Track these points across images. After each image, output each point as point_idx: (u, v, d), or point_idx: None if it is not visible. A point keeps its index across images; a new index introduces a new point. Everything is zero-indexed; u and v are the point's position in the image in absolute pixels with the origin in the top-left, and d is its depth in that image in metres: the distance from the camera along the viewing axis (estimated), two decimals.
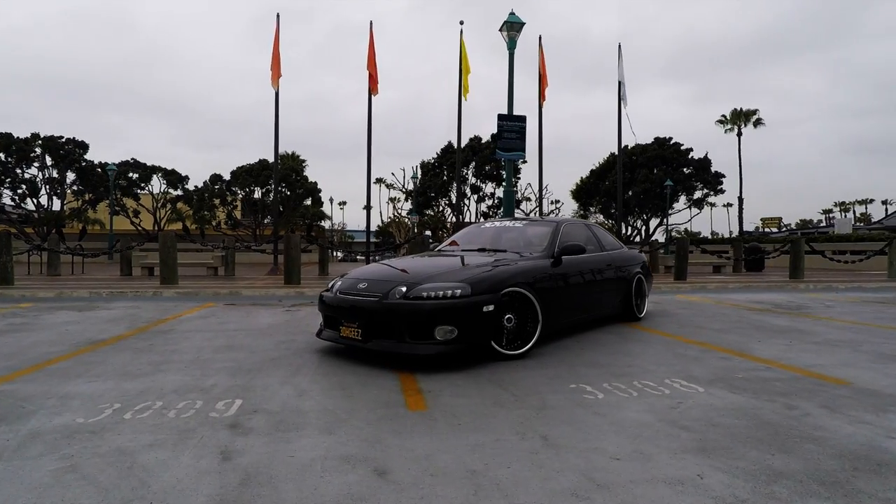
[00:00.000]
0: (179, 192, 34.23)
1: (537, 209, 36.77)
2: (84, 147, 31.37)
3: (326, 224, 47.29)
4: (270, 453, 2.18)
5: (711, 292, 9.99)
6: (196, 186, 32.69)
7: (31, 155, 29.66)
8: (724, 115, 48.25)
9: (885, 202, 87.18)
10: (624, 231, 35.52)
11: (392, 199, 54.20)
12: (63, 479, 1.94)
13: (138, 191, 33.68)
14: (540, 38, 16.46)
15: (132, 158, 32.84)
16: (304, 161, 36.05)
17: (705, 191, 38.95)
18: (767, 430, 2.44)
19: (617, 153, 43.17)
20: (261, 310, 6.97)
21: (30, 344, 4.54)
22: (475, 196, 36.93)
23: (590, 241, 5.56)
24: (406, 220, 41.53)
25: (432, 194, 37.26)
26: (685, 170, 38.63)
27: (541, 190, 18.70)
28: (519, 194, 37.26)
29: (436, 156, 37.44)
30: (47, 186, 30.91)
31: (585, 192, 40.92)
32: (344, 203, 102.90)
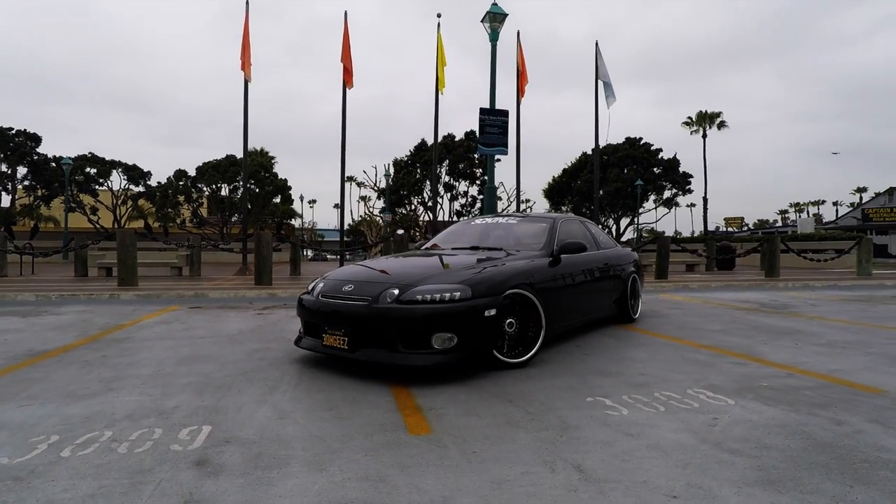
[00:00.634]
0: (141, 189, 32.75)
1: (508, 208, 36.86)
2: (36, 140, 29.63)
3: (296, 223, 46.15)
4: (249, 502, 1.74)
5: (695, 291, 9.89)
6: (159, 182, 31.32)
7: None
8: (689, 117, 49.39)
9: (835, 203, 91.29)
10: None
11: (363, 198, 53.37)
12: None
13: (97, 187, 32.05)
14: (518, 33, 16.22)
15: (89, 152, 31.22)
16: (273, 158, 35.04)
17: (674, 190, 39.69)
18: (828, 454, 2.14)
19: (590, 152, 43.52)
20: (230, 313, 6.42)
21: None
22: (448, 194, 36.59)
23: (585, 239, 5.25)
24: (378, 218, 40.88)
25: (405, 192, 36.75)
26: (655, 170, 39.26)
27: (518, 188, 18.44)
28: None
29: (409, 153, 36.93)
30: None
31: (557, 192, 41.12)
32: (314, 201, 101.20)
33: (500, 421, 2.56)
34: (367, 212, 40.61)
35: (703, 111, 49.33)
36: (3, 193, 29.76)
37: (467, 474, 1.96)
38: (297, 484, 1.87)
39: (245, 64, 12.38)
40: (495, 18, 10.00)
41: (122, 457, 2.09)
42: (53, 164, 29.16)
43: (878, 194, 53.18)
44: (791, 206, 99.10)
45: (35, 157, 29.29)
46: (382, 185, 35.48)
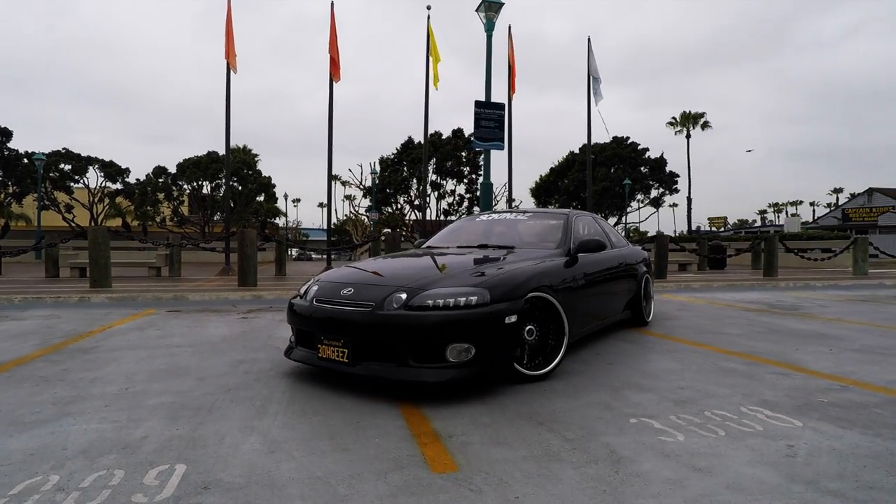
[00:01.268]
0: (119, 186, 31.70)
1: (496, 207, 36.55)
2: (7, 134, 28.47)
3: (281, 222, 45.30)
4: None
5: (697, 291, 9.59)
6: (138, 180, 30.32)
7: None
8: (674, 117, 49.69)
9: (812, 203, 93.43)
10: None
11: (348, 197, 52.67)
12: None
13: (72, 184, 30.94)
14: (510, 27, 15.84)
15: (63, 148, 30.10)
16: (256, 155, 34.21)
17: (661, 190, 39.78)
18: None
19: (577, 152, 43.28)
20: (211, 317, 5.91)
21: None
22: (436, 193, 36.13)
23: (600, 237, 4.86)
24: (364, 217, 40.26)
25: (391, 191, 36.20)
26: (643, 169, 39.29)
27: (510, 185, 18.06)
28: (479, 191, 36.81)
29: (395, 151, 36.38)
30: None
31: (545, 190, 40.92)
32: (298, 200, 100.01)
33: (538, 452, 2.14)
34: (353, 211, 39.97)
35: (688, 112, 49.64)
36: None
37: None
38: None
39: (229, 53, 11.79)
40: (491, 7, 9.58)
41: None
42: (25, 160, 28.01)
43: (852, 196, 54.27)
44: (770, 206, 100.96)
45: (6, 153, 28.11)
46: (368, 183, 34.89)
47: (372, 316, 2.85)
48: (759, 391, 3.01)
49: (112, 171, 30.87)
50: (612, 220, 40.17)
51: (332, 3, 12.76)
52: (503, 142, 9.76)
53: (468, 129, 37.40)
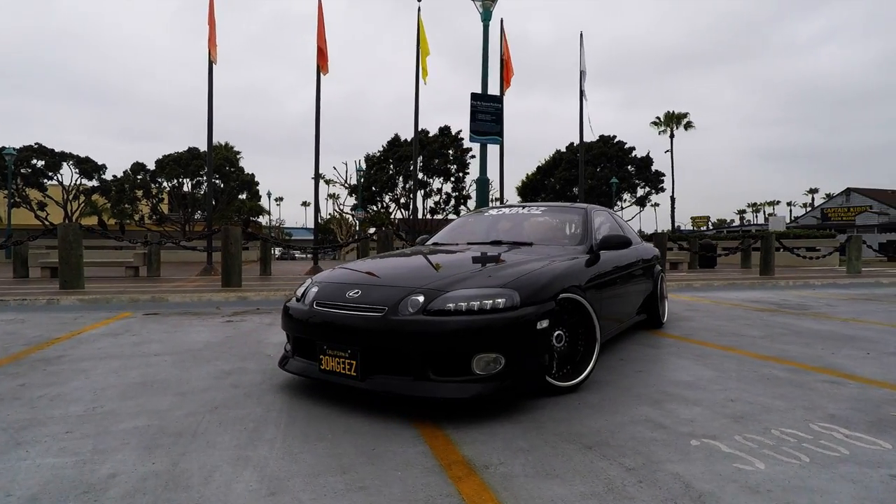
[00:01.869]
0: (95, 183, 30.63)
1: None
2: None
3: (264, 220, 44.43)
4: None
5: (699, 290, 9.35)
6: (115, 176, 29.32)
7: None
8: (658, 117, 50.07)
9: (789, 203, 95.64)
10: None
11: (332, 196, 51.91)
12: None
13: (45, 181, 29.80)
14: (501, 21, 15.51)
15: (36, 143, 28.98)
16: (239, 153, 33.39)
17: (647, 189, 39.89)
18: None
19: (564, 150, 43.13)
20: (193, 321, 5.43)
21: None
22: (422, 191, 35.70)
23: (616, 232, 4.51)
24: (349, 216, 39.64)
25: (377, 189, 35.67)
26: (629, 168, 39.37)
27: (501, 182, 17.77)
28: (466, 189, 36.46)
29: (382, 148, 35.85)
30: None
31: (532, 189, 40.75)
32: (281, 199, 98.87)
33: (599, 487, 1.76)
34: (337, 209, 39.28)
35: (671, 112, 50.02)
36: None
37: None
38: None
39: (211, 42, 11.24)
40: None
41: None
42: None
43: (828, 196, 55.35)
44: (749, 206, 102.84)
45: None
46: (353, 181, 34.30)
47: (384, 322, 2.45)
48: (820, 404, 2.68)
49: (88, 167, 29.79)
50: None
51: None
52: (501, 136, 9.40)
53: (455, 126, 37.01)
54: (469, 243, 3.93)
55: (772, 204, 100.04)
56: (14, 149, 24.46)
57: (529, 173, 42.05)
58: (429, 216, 35.57)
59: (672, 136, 49.32)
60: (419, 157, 34.46)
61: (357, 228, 35.29)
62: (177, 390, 2.88)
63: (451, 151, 36.39)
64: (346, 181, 35.08)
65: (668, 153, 46.18)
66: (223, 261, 7.96)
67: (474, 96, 9.13)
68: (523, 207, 4.47)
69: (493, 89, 10.51)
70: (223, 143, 32.87)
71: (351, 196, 34.99)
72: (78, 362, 3.56)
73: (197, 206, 27.07)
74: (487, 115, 9.23)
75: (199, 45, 10.96)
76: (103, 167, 30.42)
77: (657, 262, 5.29)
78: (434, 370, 2.40)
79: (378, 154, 35.63)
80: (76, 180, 30.35)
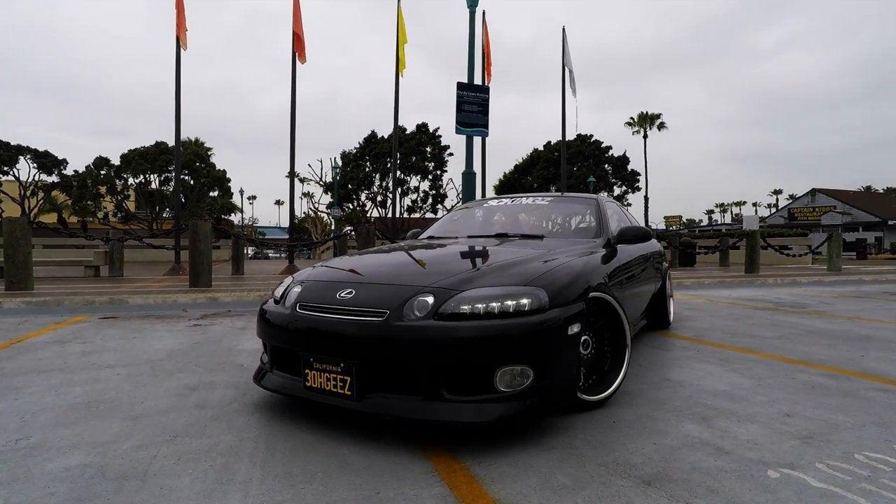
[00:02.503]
0: (56, 179, 29.12)
1: (457, 205, 35.89)
2: None
3: (236, 219, 43.16)
4: None
5: (690, 289, 9.13)
6: (76, 171, 27.89)
7: None
8: (632, 118, 50.73)
9: (755, 204, 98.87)
10: None
11: (307, 194, 50.77)
12: None
13: (0, 176, 28.18)
14: (483, 13, 15.13)
15: None
16: (210, 149, 32.25)
17: (623, 188, 40.17)
18: None
19: (542, 149, 43.15)
20: (156, 325, 4.86)
21: None
22: (399, 189, 35.13)
23: (630, 224, 4.14)
24: (324, 215, 38.80)
25: (353, 187, 34.95)
26: (606, 167, 39.60)
27: (484, 177, 17.35)
28: (444, 187, 36.06)
29: (358, 145, 35.14)
30: None
31: (509, 188, 40.61)
32: (254, 197, 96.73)
33: None
34: (312, 208, 38.33)
35: (645, 112, 50.69)
36: None
37: None
38: None
39: (180, 27, 10.52)
40: None
41: None
42: None
43: (792, 197, 56.87)
44: (717, 206, 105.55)
45: None
46: (329, 179, 33.49)
47: (386, 329, 1.99)
48: (890, 418, 2.33)
49: (47, 161, 28.26)
50: None
51: None
52: (487, 128, 8.99)
53: (433, 124, 36.61)
54: (470, 237, 3.49)
55: (738, 204, 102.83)
56: None
57: (507, 172, 41.90)
58: (406, 215, 35.04)
59: (646, 136, 49.98)
60: (396, 154, 33.92)
61: (333, 227, 34.53)
62: (128, 413, 2.36)
63: (428, 149, 35.94)
64: (321, 179, 34.22)
65: (644, 153, 46.69)
66: (191, 259, 7.34)
67: (460, 86, 8.70)
68: (527, 198, 4.05)
69: (479, 82, 10.10)
70: (193, 139, 31.69)
71: (326, 194, 34.16)
72: (11, 377, 2.99)
73: (165, 204, 25.92)
74: (474, 106, 8.82)
75: (168, 38, 10.25)
76: (64, 162, 28.92)
77: (663, 257, 4.95)
78: (449, 388, 1.95)
79: (354, 151, 34.92)
80: (34, 175, 28.80)
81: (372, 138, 34.76)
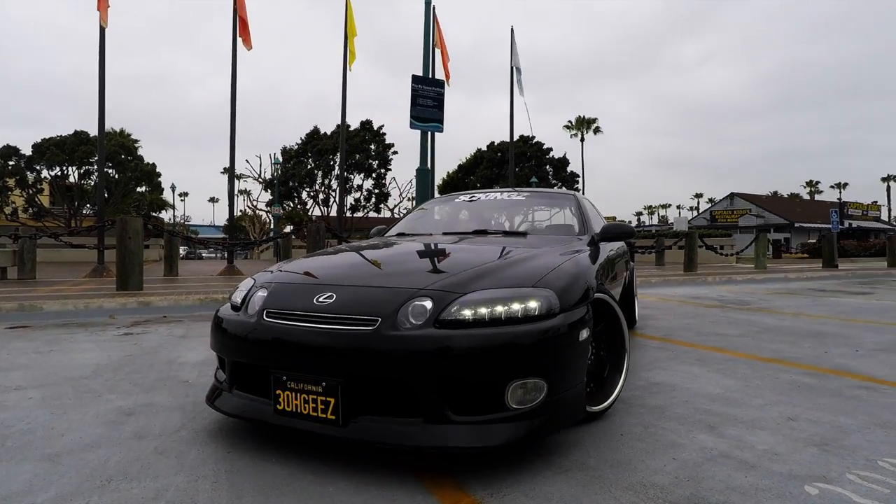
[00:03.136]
0: None
1: (401, 204, 35.53)
2: None
3: (167, 215, 40.57)
4: None
5: (638, 287, 9.30)
6: None
7: None
8: (570, 121, 52.49)
9: (678, 207, 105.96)
10: None
11: (244, 191, 48.54)
12: None
13: None
14: (434, 7, 14.88)
15: None
16: (136, 141, 30.02)
17: (563, 189, 41.30)
18: None
19: (485, 149, 43.46)
20: (78, 335, 4.24)
21: None
22: (338, 189, 34.25)
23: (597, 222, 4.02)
24: (263, 213, 37.24)
25: (294, 184, 33.72)
26: (547, 168, 40.51)
27: (433, 174, 17.10)
28: (387, 186, 35.54)
29: (300, 141, 33.94)
30: None
31: (453, 187, 40.68)
32: (186, 194, 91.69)
33: None
34: (251, 206, 36.60)
35: (582, 116, 52.55)
36: None
37: None
38: None
39: (101, 3, 9.54)
40: None
41: None
42: None
43: (711, 201, 60.88)
44: (645, 208, 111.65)
45: None
46: (268, 176, 32.05)
47: (379, 339, 1.69)
48: (889, 419, 2.28)
49: None
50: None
51: None
52: (442, 123, 8.74)
53: (377, 122, 35.91)
54: (446, 234, 3.21)
55: (664, 207, 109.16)
56: None
57: (451, 171, 41.94)
58: (349, 214, 34.21)
59: (582, 139, 51.78)
60: (344, 149, 32.99)
61: (272, 226, 33.18)
62: (45, 450, 1.91)
63: (372, 147, 35.28)
64: (260, 176, 32.68)
65: (581, 156, 48.23)
66: (119, 259, 6.59)
67: (416, 79, 8.41)
68: (500, 193, 3.82)
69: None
70: (119, 130, 29.35)
71: (266, 191, 32.73)
72: None
73: (86, 199, 23.78)
74: (429, 101, 8.55)
75: (91, 22, 9.24)
76: None
77: (629, 256, 4.90)
78: (455, 406, 1.67)
79: (296, 147, 33.69)
80: None
81: (314, 134, 33.69)
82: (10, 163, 23.74)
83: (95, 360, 3.32)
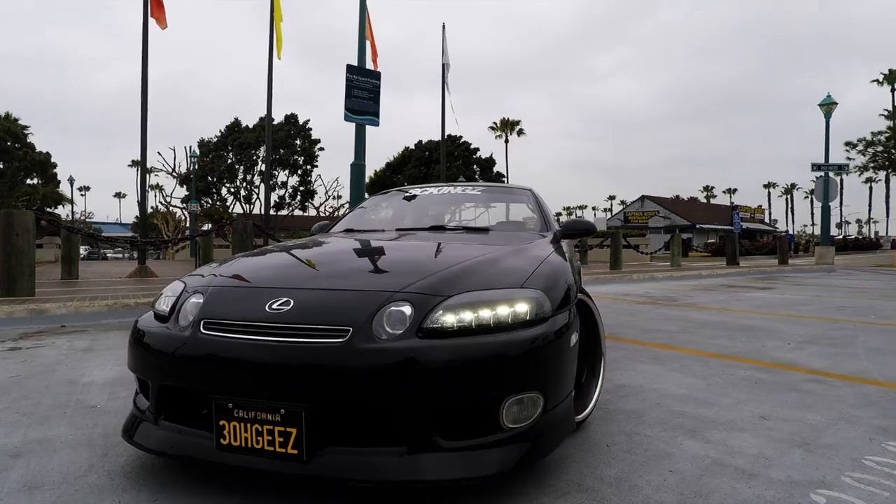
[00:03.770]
0: None
1: (326, 202, 34.53)
2: None
3: (64, 211, 36.65)
4: None
5: None
6: None
7: None
8: (495, 122, 53.72)
9: (594, 208, 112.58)
10: None
11: (157, 186, 44.95)
12: None
13: None
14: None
15: None
16: (26, 127, 26.81)
17: None
18: None
19: (413, 147, 43.25)
20: None
21: None
22: (264, 184, 32.67)
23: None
24: (178, 209, 34.69)
25: (213, 179, 31.69)
26: (475, 167, 41.01)
27: (363, 168, 16.59)
28: (313, 183, 34.36)
29: (220, 133, 31.93)
30: None
31: (380, 185, 40.15)
32: (87, 188, 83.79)
33: None
34: (163, 202, 33.93)
35: (507, 118, 53.93)
36: None
37: None
38: None
39: None
40: None
41: None
42: None
43: (623, 203, 65.02)
44: (563, 209, 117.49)
45: None
46: (183, 170, 29.83)
47: (351, 354, 1.40)
48: (850, 413, 2.31)
49: None
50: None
51: None
52: (378, 117, 8.39)
53: (302, 116, 34.57)
54: (401, 230, 2.94)
55: (581, 208, 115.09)
56: None
57: (378, 170, 41.34)
58: (273, 212, 32.69)
59: (507, 140, 53.10)
60: (261, 146, 31.39)
61: (188, 224, 30.96)
62: None
63: (298, 142, 33.95)
64: (174, 169, 30.28)
65: (505, 157, 49.42)
66: (4, 259, 5.67)
67: (350, 69, 8.00)
68: (453, 188, 3.59)
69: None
70: (4, 114, 26.02)
71: (182, 187, 30.47)
72: None
73: None
74: (364, 93, 8.17)
75: None
76: None
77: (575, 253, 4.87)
78: (444, 431, 1.42)
79: (215, 139, 31.65)
80: None
81: (235, 126, 31.84)
82: None
83: None
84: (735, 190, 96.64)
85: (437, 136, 36.92)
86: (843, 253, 31.36)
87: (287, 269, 1.93)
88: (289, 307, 1.53)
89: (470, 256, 1.95)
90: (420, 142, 40.28)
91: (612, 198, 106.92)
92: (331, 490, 1.55)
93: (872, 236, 66.41)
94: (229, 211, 31.99)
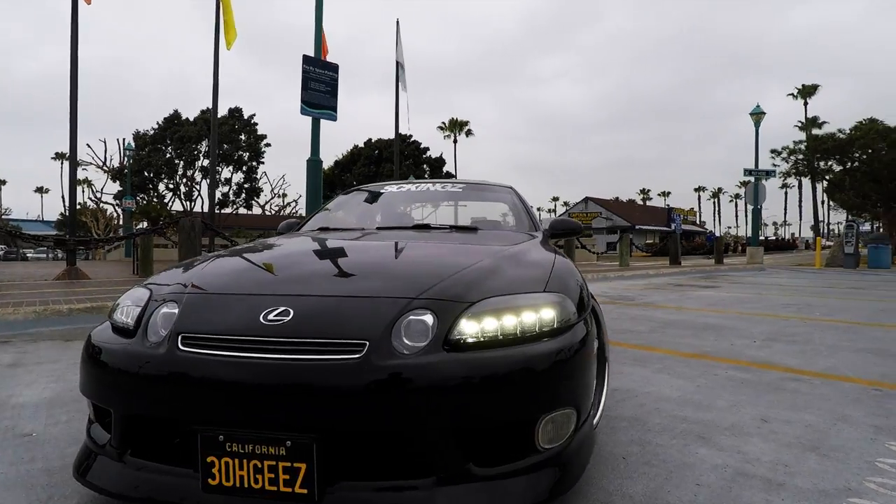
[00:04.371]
0: None
1: (272, 201, 33.40)
2: None
3: None
4: None
5: None
6: None
7: None
8: (443, 122, 54.00)
9: (539, 209, 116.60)
10: None
11: (85, 181, 41.88)
12: None
13: None
14: None
15: None
16: None
17: None
18: None
19: (362, 146, 42.65)
20: None
21: None
22: (207, 180, 31.16)
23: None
24: (109, 206, 32.49)
25: (149, 174, 29.84)
26: (424, 167, 40.89)
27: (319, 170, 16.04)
28: (258, 181, 33.09)
29: (157, 125, 30.11)
30: None
31: (329, 184, 39.22)
32: (3, 182, 77.40)
33: None
34: (93, 198, 31.60)
35: (455, 119, 54.27)
36: None
37: None
38: None
39: None
40: None
41: None
42: None
43: (566, 204, 67.20)
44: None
45: None
46: (115, 164, 27.90)
47: (370, 372, 1.20)
48: (842, 412, 2.33)
49: None
50: None
51: None
52: (335, 111, 8.05)
53: (247, 111, 33.18)
54: (382, 229, 2.73)
55: None
56: None
57: (327, 168, 40.46)
58: (218, 210, 31.23)
59: (456, 140, 53.45)
60: (204, 140, 29.82)
61: (121, 222, 29.03)
62: None
63: (243, 137, 32.60)
64: (105, 163, 28.20)
65: (454, 156, 49.73)
66: None
67: (307, 60, 7.63)
68: (433, 184, 3.40)
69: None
70: None
71: (114, 182, 28.53)
72: None
73: None
74: (322, 85, 7.83)
75: None
76: None
77: None
78: (478, 457, 1.25)
79: (152, 132, 29.82)
80: None
81: (175, 119, 30.14)
82: None
83: None
84: (669, 193, 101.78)
85: (386, 135, 36.53)
86: (766, 253, 33.62)
87: (279, 273, 1.68)
88: (288, 318, 1.31)
89: (480, 258, 1.77)
90: (370, 140, 39.72)
91: (555, 199, 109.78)
92: None
93: (789, 237, 71.61)
94: (168, 208, 30.23)
